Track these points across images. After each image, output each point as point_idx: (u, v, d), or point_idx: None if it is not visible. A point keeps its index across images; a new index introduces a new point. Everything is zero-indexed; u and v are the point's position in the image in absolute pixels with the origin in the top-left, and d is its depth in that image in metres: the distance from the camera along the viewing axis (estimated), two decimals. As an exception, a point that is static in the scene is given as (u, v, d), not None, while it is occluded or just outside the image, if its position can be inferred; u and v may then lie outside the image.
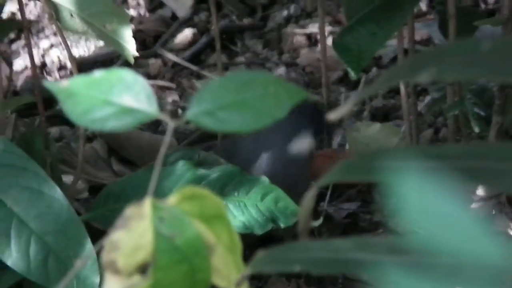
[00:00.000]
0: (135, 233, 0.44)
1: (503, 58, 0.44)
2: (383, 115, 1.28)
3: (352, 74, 0.95)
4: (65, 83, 0.47)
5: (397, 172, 0.30)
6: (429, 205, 0.28)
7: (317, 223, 1.02)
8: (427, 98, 1.25)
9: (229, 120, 0.46)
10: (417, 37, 1.33)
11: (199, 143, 1.20)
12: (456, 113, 1.05)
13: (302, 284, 0.98)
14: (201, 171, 0.95)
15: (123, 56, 0.93)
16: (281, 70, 1.43)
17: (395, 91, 1.28)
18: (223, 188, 0.95)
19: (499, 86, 0.98)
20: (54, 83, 0.48)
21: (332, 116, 0.45)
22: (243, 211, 0.94)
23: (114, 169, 1.20)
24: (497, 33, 1.05)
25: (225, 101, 0.47)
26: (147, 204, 0.45)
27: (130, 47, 0.91)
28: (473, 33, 1.01)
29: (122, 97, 0.46)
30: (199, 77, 1.43)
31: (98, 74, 0.48)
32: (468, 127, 1.04)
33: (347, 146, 1.17)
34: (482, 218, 0.28)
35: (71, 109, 0.46)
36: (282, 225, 0.94)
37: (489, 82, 1.07)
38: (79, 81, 0.47)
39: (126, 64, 1.06)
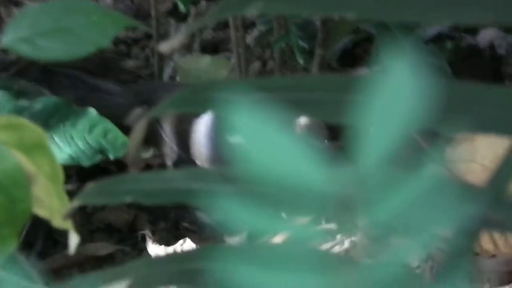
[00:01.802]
0: None
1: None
2: (212, 48, 1.29)
3: (181, 6, 0.94)
4: None
5: (226, 103, 0.31)
6: (256, 135, 0.29)
7: (148, 154, 1.02)
8: (255, 31, 1.27)
9: (49, 48, 0.44)
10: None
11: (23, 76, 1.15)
12: (282, 46, 1.08)
13: (140, 213, 0.98)
14: (22, 102, 0.92)
15: None
16: (109, 0, 1.39)
17: (224, 24, 1.29)
18: (47, 119, 0.92)
19: (321, 20, 1.01)
20: None
21: (163, 47, 0.44)
22: (70, 143, 0.92)
23: None
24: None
25: (45, 28, 0.45)
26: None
27: None
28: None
29: None
30: (17, 5, 1.36)
31: None
32: (293, 60, 1.07)
33: (178, 79, 1.17)
34: (307, 146, 0.29)
35: None
36: (111, 157, 0.93)
37: (312, 15, 1.10)
38: None
39: None
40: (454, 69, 0.97)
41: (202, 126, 0.96)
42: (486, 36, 1.22)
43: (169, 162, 0.99)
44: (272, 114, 0.29)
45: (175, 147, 0.99)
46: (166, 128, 0.99)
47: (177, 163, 0.98)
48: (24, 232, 0.56)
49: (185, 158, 0.98)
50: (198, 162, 0.96)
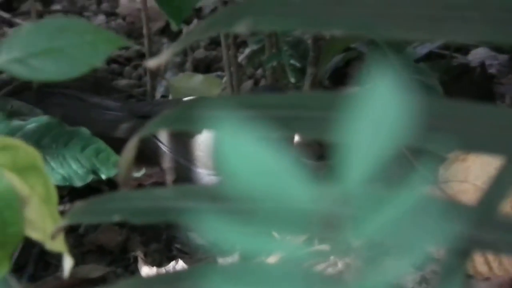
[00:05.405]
0: None
1: (315, 9, 0.45)
2: (205, 67, 1.29)
3: (174, 25, 0.94)
4: None
5: (215, 121, 0.31)
6: (245, 152, 0.28)
7: (139, 173, 1.01)
8: (247, 50, 1.27)
9: (42, 68, 0.44)
10: (238, -11, 1.34)
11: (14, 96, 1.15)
12: (274, 65, 1.08)
13: (132, 234, 0.97)
14: (15, 122, 0.92)
15: None
16: (100, 19, 1.39)
17: (216, 43, 1.29)
18: (40, 139, 0.92)
19: (312, 38, 1.01)
20: None
21: (152, 63, 0.44)
22: (62, 163, 0.92)
23: None
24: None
25: (37, 49, 0.45)
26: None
27: None
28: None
29: None
30: (11, 25, 1.36)
31: None
32: (285, 78, 1.07)
33: (170, 97, 1.16)
34: (295, 164, 0.28)
35: None
36: (103, 177, 0.92)
37: (304, 34, 1.10)
38: None
39: None
40: (445, 88, 0.97)
41: (205, 138, 0.96)
42: (477, 55, 1.22)
43: (169, 178, 0.98)
44: (261, 132, 0.29)
45: (180, 160, 0.98)
46: (166, 142, 0.99)
47: (177, 180, 0.98)
48: (16, 254, 0.55)
49: (188, 173, 0.97)
50: (205, 171, 0.95)
